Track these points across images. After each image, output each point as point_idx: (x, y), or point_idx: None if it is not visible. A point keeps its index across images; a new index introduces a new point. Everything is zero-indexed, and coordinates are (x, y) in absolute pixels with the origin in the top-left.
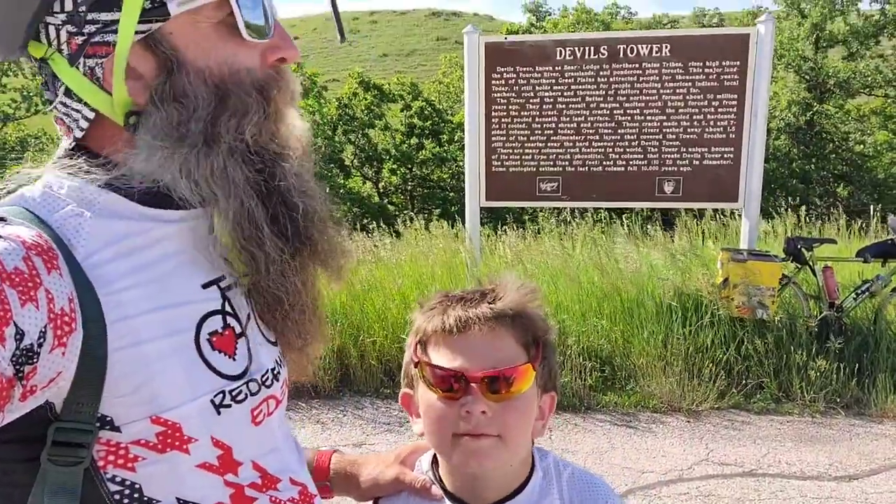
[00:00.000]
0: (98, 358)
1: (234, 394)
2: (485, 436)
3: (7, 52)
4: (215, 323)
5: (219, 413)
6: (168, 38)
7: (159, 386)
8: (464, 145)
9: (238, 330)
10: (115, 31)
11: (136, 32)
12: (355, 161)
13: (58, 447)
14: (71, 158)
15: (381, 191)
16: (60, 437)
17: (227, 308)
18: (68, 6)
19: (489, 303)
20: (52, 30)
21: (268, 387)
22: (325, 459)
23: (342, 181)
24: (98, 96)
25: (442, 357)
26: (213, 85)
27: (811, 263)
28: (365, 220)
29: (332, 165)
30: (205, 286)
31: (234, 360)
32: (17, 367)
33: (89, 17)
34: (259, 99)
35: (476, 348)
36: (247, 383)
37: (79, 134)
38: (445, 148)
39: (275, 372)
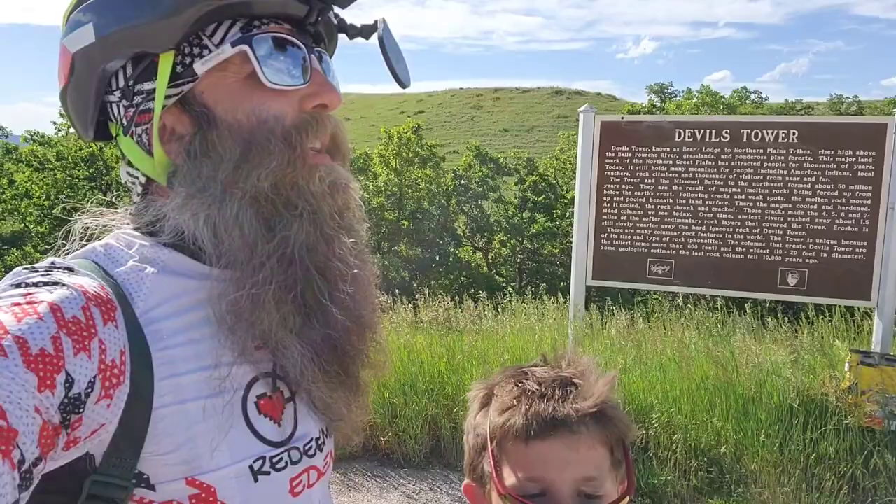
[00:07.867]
0: (142, 413)
1: (274, 461)
2: None
3: (84, 132)
4: (264, 385)
5: (256, 480)
6: (200, 97)
7: (198, 447)
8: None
9: (287, 394)
10: (154, 98)
11: (171, 96)
12: (467, 231)
13: (93, 500)
14: (135, 217)
15: (490, 261)
16: (96, 490)
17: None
18: (121, 83)
19: (574, 401)
20: (114, 107)
21: (310, 457)
22: None
23: (452, 249)
24: (145, 161)
25: (521, 466)
26: (240, 136)
27: None
28: (472, 290)
29: (445, 234)
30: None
31: (279, 425)
32: (64, 415)
33: (136, 88)
34: (283, 146)
35: (560, 457)
36: (288, 451)
37: (136, 198)
38: (557, 223)
39: (319, 442)
